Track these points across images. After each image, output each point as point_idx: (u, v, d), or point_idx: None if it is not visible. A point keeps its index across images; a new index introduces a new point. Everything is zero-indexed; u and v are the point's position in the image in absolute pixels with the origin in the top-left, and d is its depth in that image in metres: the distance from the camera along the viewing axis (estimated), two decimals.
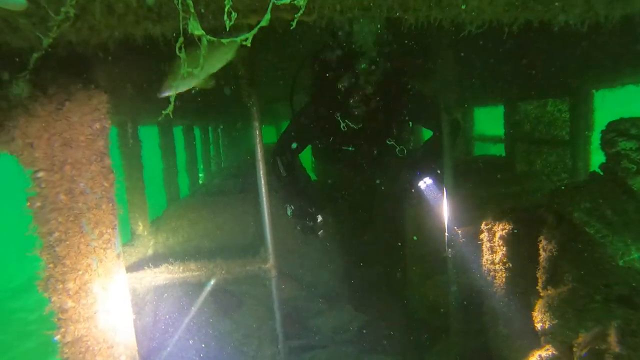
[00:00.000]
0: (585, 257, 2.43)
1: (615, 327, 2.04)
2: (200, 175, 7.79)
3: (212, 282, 3.15)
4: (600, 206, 2.45)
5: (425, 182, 3.68)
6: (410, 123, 4.04)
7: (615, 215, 2.41)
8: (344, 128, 3.65)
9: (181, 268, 3.06)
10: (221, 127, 9.75)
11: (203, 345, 3.81)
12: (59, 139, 1.45)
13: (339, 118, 3.62)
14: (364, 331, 4.27)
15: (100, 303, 1.60)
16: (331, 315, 4.25)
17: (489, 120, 8.31)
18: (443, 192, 3.46)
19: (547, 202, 2.73)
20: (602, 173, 2.64)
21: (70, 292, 1.53)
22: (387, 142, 3.79)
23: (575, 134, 4.76)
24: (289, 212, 3.70)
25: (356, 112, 3.49)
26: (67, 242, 1.51)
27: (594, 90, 4.67)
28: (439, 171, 3.64)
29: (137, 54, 1.89)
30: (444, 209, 3.42)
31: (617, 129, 2.48)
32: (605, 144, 2.54)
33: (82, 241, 1.54)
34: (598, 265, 2.37)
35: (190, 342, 3.82)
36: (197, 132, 7.65)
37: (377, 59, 3.31)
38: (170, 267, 3.08)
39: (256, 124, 2.93)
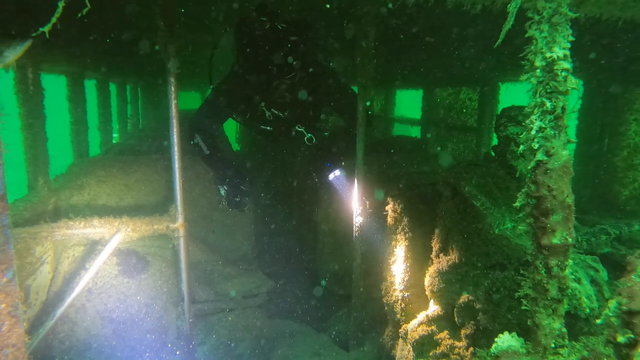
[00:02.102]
0: (472, 227, 2.69)
1: (485, 287, 2.31)
2: (115, 135, 7.35)
3: (118, 240, 3.04)
4: (487, 183, 2.72)
5: (334, 174, 3.79)
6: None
7: (499, 192, 2.69)
8: (270, 117, 3.61)
9: (82, 224, 2.92)
10: (141, 86, 9.22)
11: (105, 306, 3.69)
12: None
13: (264, 107, 3.56)
14: (272, 297, 4.39)
15: None
16: (240, 280, 4.29)
17: (410, 103, 8.70)
18: (350, 181, 3.62)
19: (444, 177, 2.97)
20: (493, 154, 2.92)
21: None
22: (297, 128, 3.79)
23: (481, 121, 5.17)
24: (222, 192, 3.63)
25: (281, 100, 3.44)
26: None
27: (500, 83, 5.08)
28: (343, 163, 3.78)
29: None
30: (354, 186, 3.56)
31: (508, 115, 2.74)
32: (498, 128, 2.80)
33: None
34: (481, 236, 2.64)
35: (92, 302, 3.68)
36: (112, 88, 7.17)
37: (301, 37, 3.22)
38: (70, 222, 2.93)
39: (172, 79, 2.83)
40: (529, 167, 1.16)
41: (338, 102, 3.85)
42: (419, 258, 3.24)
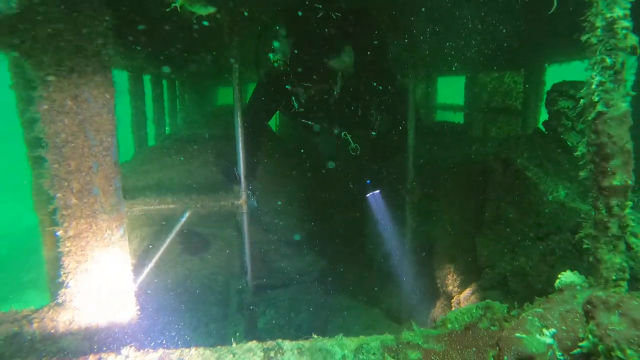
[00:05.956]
0: (524, 199, 2.80)
1: (539, 250, 2.42)
2: (167, 128, 7.76)
3: (185, 217, 3.31)
4: (538, 156, 2.81)
5: (372, 194, 3.74)
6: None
7: (549, 164, 2.78)
8: (313, 111, 3.45)
9: (157, 200, 3.21)
10: (188, 82, 9.63)
11: (170, 281, 4.01)
12: (68, 46, 1.58)
13: (307, 102, 3.32)
14: (325, 274, 4.61)
15: (99, 204, 1.77)
16: (295, 259, 4.53)
17: (449, 89, 8.68)
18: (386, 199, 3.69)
19: (496, 151, 3.07)
20: (544, 129, 3.00)
21: (74, 191, 1.69)
22: (342, 135, 3.65)
23: (526, 104, 5.17)
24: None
25: (327, 97, 3.26)
26: (73, 145, 1.66)
27: (546, 65, 5.06)
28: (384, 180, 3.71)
29: None
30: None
31: (558, 90, 2.82)
32: (548, 102, 2.89)
33: (85, 145, 1.69)
34: (533, 207, 2.74)
35: (160, 277, 4.00)
36: (164, 83, 7.57)
37: (358, 29, 3.05)
38: (146, 199, 3.22)
39: (236, 66, 3.07)
40: (589, 118, 1.29)
41: (389, 102, 3.59)
42: (470, 231, 3.36)
